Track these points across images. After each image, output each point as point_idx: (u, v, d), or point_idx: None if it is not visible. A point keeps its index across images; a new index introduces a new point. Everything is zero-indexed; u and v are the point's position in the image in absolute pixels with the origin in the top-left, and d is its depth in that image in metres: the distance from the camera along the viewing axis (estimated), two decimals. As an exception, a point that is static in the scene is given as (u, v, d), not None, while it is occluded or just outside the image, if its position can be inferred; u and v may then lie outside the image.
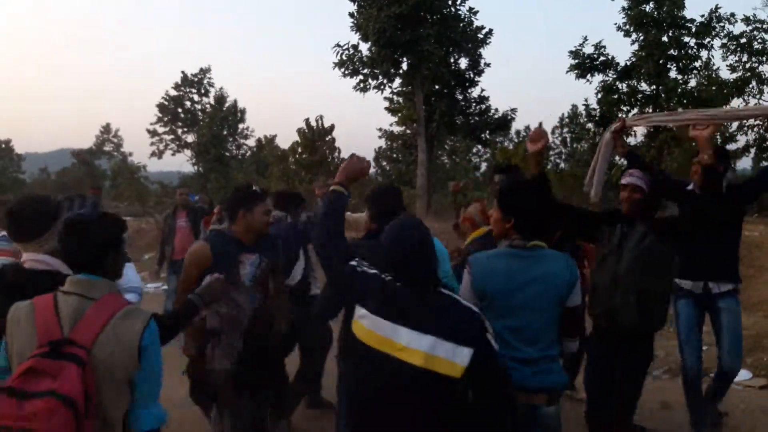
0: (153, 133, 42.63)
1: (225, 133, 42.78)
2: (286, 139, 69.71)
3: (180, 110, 42.87)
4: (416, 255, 2.27)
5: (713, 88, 20.79)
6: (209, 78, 43.53)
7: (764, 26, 22.62)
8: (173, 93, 42.59)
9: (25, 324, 1.98)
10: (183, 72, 42.67)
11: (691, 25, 19.36)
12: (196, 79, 43.30)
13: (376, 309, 2.21)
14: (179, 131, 43.15)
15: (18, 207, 2.44)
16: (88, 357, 1.90)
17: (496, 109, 19.45)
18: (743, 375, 5.77)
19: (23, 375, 1.83)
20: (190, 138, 42.93)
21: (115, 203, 23.00)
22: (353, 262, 2.38)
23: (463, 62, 18.87)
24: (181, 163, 43.78)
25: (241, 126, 44.16)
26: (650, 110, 19.74)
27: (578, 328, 2.88)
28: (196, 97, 43.52)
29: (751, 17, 22.44)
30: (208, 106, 43.32)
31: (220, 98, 43.50)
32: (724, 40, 21.79)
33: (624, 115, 19.98)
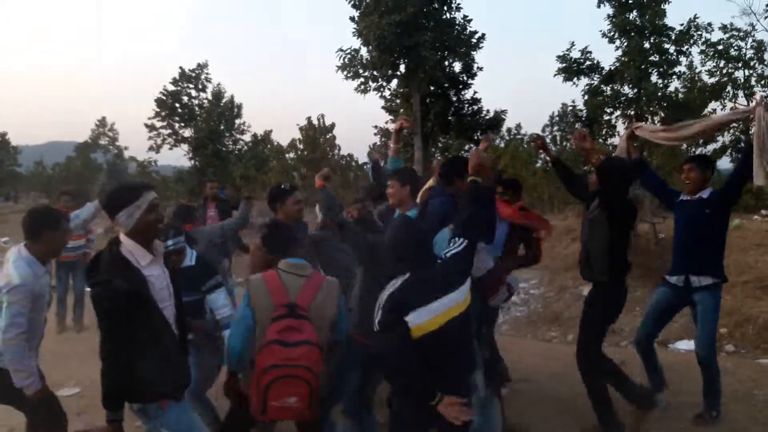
0: (151, 127, 43.03)
1: (222, 128, 43.25)
2: (280, 135, 70.26)
3: (177, 105, 43.23)
4: (422, 247, 2.91)
5: (695, 91, 21.94)
6: (207, 74, 43.95)
7: (740, 34, 23.91)
8: (171, 88, 43.01)
9: (263, 291, 3.08)
10: (181, 68, 43.01)
11: (671, 32, 20.37)
12: (193, 75, 43.68)
13: (421, 304, 2.72)
14: (176, 126, 43.49)
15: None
16: (308, 314, 3.04)
17: (488, 110, 20.48)
18: (688, 344, 6.92)
19: (283, 331, 2.93)
20: (187, 133, 43.34)
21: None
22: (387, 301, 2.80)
23: (457, 66, 19.81)
24: (179, 157, 44.23)
25: (237, 121, 44.63)
26: (632, 112, 20.88)
27: None
28: (193, 93, 43.88)
29: (728, 25, 23.72)
30: (205, 101, 43.75)
31: (218, 94, 43.95)
32: (703, 47, 23.03)
33: (620, 130, 21.16)
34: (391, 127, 5.57)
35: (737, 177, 4.61)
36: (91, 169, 48.55)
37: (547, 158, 27.23)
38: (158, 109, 42.46)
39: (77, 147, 50.38)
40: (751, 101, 24.15)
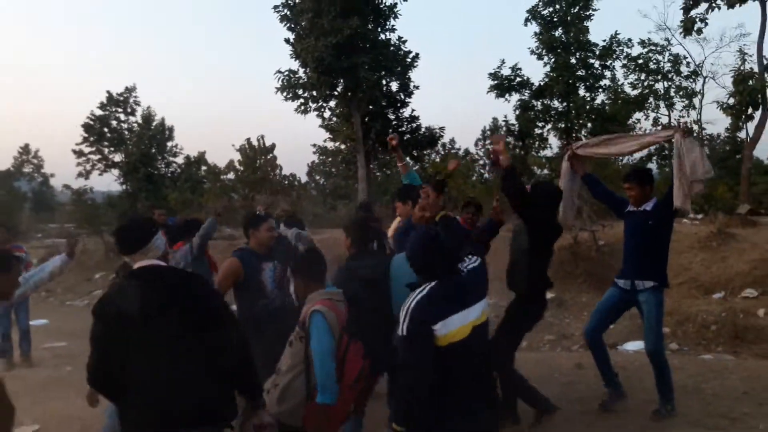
0: (79, 153, 41.66)
1: (154, 151, 42.38)
2: (215, 157, 69.13)
3: (106, 130, 42.10)
4: (448, 256, 2.94)
5: (618, 102, 23.11)
6: (135, 97, 43.05)
7: (658, 48, 25.39)
8: (99, 112, 41.88)
9: (335, 321, 3.26)
10: (108, 92, 42.00)
11: (595, 48, 21.47)
12: (121, 99, 42.71)
13: (449, 313, 2.73)
14: (106, 151, 42.30)
15: (126, 225, 3.00)
16: None
17: (426, 127, 20.96)
18: (638, 345, 7.30)
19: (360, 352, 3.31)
20: (117, 157, 42.24)
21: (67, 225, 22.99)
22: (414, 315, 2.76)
23: (395, 85, 20.33)
24: (109, 182, 42.97)
25: (169, 144, 43.80)
26: (562, 125, 21.84)
27: None
28: (122, 116, 42.85)
29: (646, 41, 25.19)
30: (135, 125, 42.78)
31: (148, 117, 43.06)
32: (625, 62, 24.33)
33: (552, 142, 22.02)
34: (394, 142, 5.46)
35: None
36: (16, 198, 46.53)
37: (482, 171, 27.66)
38: (86, 135, 41.31)
39: (-1, 175, 48.27)
40: (672, 110, 25.33)
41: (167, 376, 2.54)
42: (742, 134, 24.78)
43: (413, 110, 21.03)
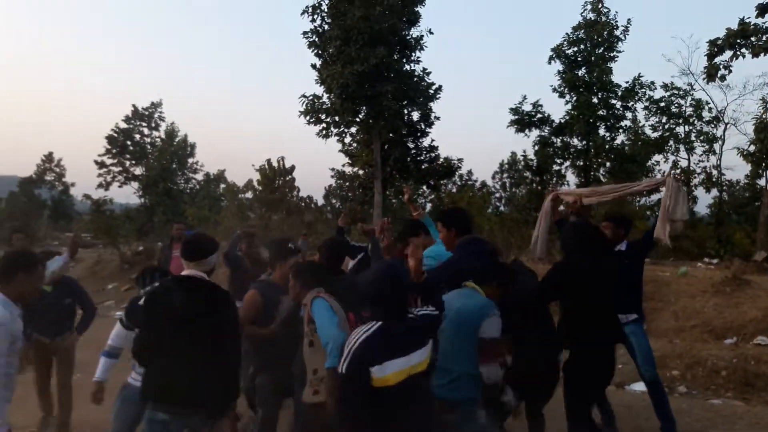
0: (101, 164, 42.23)
1: (174, 166, 42.90)
2: (234, 175, 69.85)
3: (129, 143, 42.73)
4: (400, 293, 2.95)
5: (638, 143, 23.15)
6: (160, 112, 43.75)
7: (680, 92, 25.46)
8: (123, 125, 42.56)
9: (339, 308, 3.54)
10: (134, 105, 42.74)
11: (617, 89, 21.58)
12: (146, 113, 43.37)
13: (386, 359, 2.75)
14: (127, 163, 42.85)
15: (195, 238, 3.73)
16: None
17: (445, 158, 21.14)
18: (642, 386, 7.30)
19: None
20: (138, 171, 42.77)
21: (84, 234, 23.32)
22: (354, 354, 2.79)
23: (416, 115, 20.58)
24: (128, 195, 43.46)
25: (190, 160, 44.35)
26: (581, 163, 21.90)
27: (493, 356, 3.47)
28: (146, 131, 43.51)
29: (669, 84, 25.29)
30: (158, 139, 43.37)
31: (171, 132, 43.68)
32: (647, 104, 24.41)
33: (570, 180, 22.09)
34: (406, 196, 5.57)
35: (650, 234, 5.24)
36: (36, 205, 47.17)
37: (498, 204, 27.78)
38: (109, 146, 41.93)
39: (21, 182, 48.92)
40: (692, 154, 25.29)
41: (185, 363, 3.21)
42: (761, 181, 24.81)
43: (432, 140, 21.28)
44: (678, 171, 25.27)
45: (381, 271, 3.00)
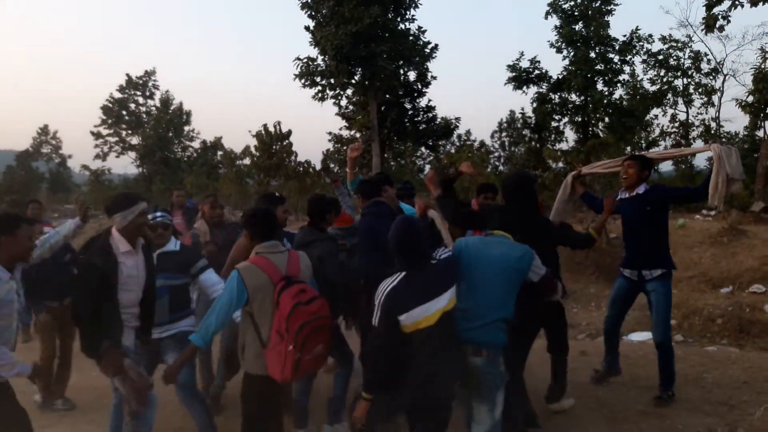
0: (97, 135, 42.06)
1: (171, 135, 42.72)
2: (231, 143, 69.40)
3: (124, 112, 42.50)
4: (418, 243, 3.09)
5: (637, 97, 23.02)
6: (154, 80, 43.41)
7: (678, 45, 25.18)
8: (117, 95, 42.28)
9: (257, 272, 3.40)
10: (128, 75, 42.37)
11: (615, 43, 21.35)
12: (140, 82, 43.03)
13: (413, 306, 2.92)
14: (123, 133, 42.69)
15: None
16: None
17: (442, 118, 21.04)
18: (642, 335, 7.44)
19: (297, 294, 3.32)
20: (134, 140, 42.63)
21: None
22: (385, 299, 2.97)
23: (412, 75, 20.39)
24: (125, 164, 43.48)
25: (186, 128, 44.12)
26: (579, 119, 21.80)
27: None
28: (141, 100, 43.25)
29: (667, 37, 24.99)
30: (153, 108, 43.12)
31: (166, 101, 43.38)
32: (644, 57, 24.18)
33: (567, 136, 21.93)
34: (351, 154, 5.60)
35: (691, 194, 5.17)
36: (34, 178, 47.11)
37: (497, 163, 27.75)
38: (104, 117, 41.72)
39: (18, 156, 48.73)
40: (690, 107, 25.10)
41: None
42: (760, 133, 24.69)
43: (430, 100, 21.19)
44: (677, 124, 25.12)
45: (399, 225, 3.11)
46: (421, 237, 3.12)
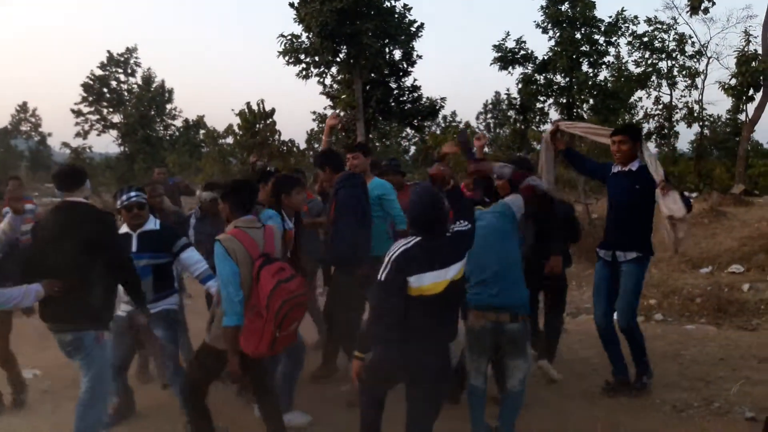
0: (78, 113, 41.34)
1: (153, 113, 42.15)
2: (214, 121, 68.78)
3: (105, 90, 41.81)
4: (438, 217, 3.10)
5: (621, 79, 23.05)
6: (136, 57, 42.71)
7: (663, 27, 25.23)
8: (98, 72, 41.56)
9: (240, 247, 3.37)
10: (109, 51, 41.66)
11: (600, 24, 21.31)
12: (122, 59, 42.34)
13: (424, 270, 2.93)
14: (105, 111, 42.01)
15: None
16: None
17: (428, 98, 20.96)
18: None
19: (277, 272, 3.31)
20: (116, 118, 41.98)
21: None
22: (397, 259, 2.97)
23: (398, 53, 20.26)
24: (107, 143, 42.91)
25: (168, 106, 43.52)
26: (564, 100, 21.82)
27: None
28: (122, 77, 42.55)
29: (653, 19, 25.01)
30: (135, 86, 42.48)
31: (148, 78, 42.73)
32: (630, 39, 24.20)
33: (552, 117, 21.92)
34: (329, 122, 5.56)
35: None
36: (13, 156, 46.43)
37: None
38: (85, 94, 41.02)
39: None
40: (674, 90, 25.18)
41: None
42: (742, 116, 24.87)
43: (415, 80, 21.03)
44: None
45: (419, 195, 3.14)
46: (443, 211, 3.12)
